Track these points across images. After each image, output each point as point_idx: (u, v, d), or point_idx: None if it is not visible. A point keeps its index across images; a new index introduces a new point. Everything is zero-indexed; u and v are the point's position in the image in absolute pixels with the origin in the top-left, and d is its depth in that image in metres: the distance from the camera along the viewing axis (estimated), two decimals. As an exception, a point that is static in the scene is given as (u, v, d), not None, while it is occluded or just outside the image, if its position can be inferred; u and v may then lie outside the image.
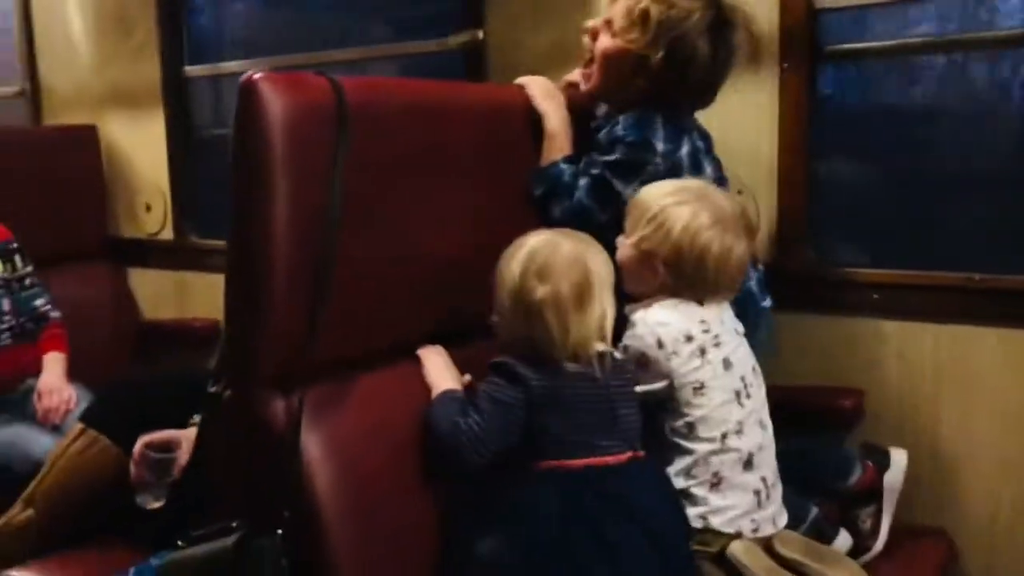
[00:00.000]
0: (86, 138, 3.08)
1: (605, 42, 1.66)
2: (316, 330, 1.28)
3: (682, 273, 1.45)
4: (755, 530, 1.42)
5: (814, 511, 1.60)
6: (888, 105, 2.06)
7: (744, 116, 1.92)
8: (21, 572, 1.75)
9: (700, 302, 1.47)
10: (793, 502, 1.52)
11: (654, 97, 1.63)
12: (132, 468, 1.75)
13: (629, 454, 1.35)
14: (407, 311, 1.47)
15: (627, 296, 1.49)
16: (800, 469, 1.60)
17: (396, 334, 1.47)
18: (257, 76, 1.28)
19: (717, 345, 1.44)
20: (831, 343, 1.93)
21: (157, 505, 1.74)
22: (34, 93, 3.27)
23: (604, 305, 1.36)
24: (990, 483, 1.83)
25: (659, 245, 1.46)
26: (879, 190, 2.05)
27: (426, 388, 1.42)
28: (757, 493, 1.44)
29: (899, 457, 1.75)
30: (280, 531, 1.23)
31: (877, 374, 1.89)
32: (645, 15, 1.61)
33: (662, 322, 1.44)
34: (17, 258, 2.61)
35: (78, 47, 3.14)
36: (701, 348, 1.43)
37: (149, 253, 3.06)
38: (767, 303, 1.72)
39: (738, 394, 1.45)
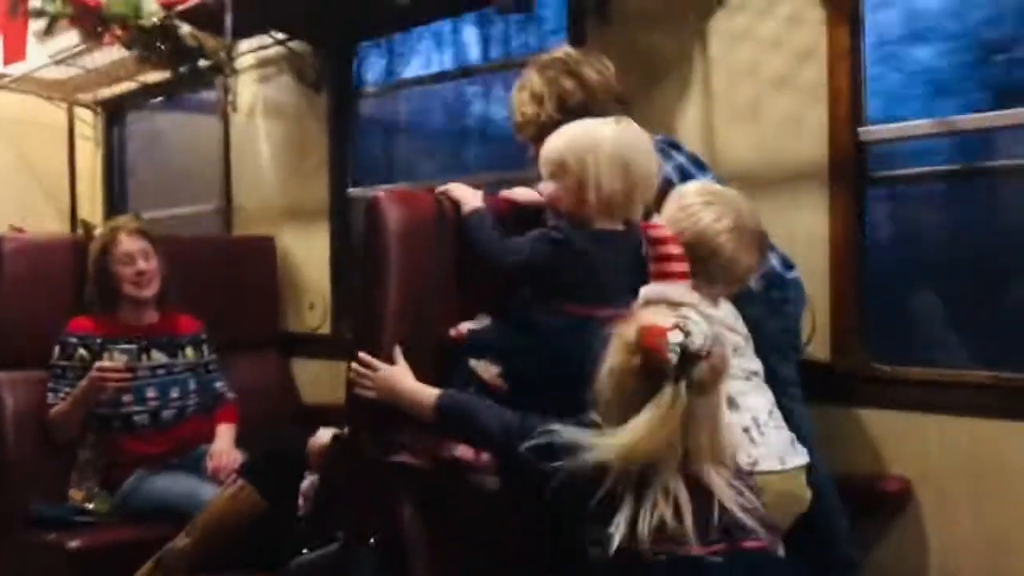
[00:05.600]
0: (265, 247, 3.55)
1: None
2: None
3: (693, 262, 1.72)
4: (753, 463, 1.64)
5: None
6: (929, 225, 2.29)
7: (800, 233, 2.18)
8: (183, 587, 2.18)
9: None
10: None
11: None
12: (301, 501, 2.10)
13: None
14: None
15: None
16: None
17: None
18: (380, 194, 1.72)
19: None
20: (879, 435, 2.11)
21: None
22: (227, 209, 3.83)
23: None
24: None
25: (682, 231, 1.75)
26: (922, 300, 2.26)
27: None
28: (747, 431, 1.66)
29: None
30: (373, 541, 1.60)
31: (921, 465, 2.06)
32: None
33: None
34: (204, 347, 3.10)
35: (264, 170, 3.68)
36: None
37: (310, 345, 3.48)
38: (794, 274, 1.98)
39: None
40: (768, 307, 1.95)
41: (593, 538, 1.37)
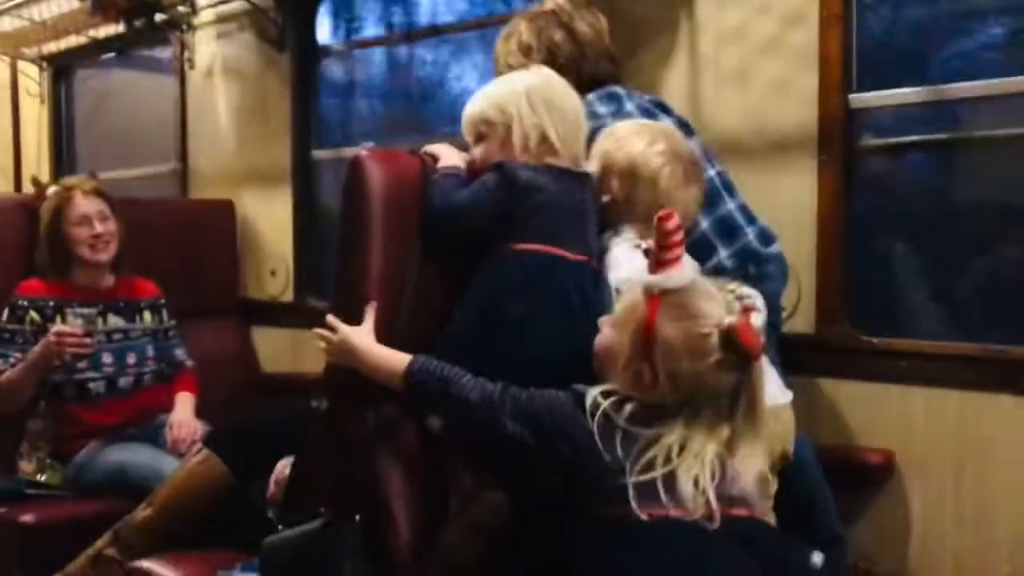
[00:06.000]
0: (224, 211, 3.45)
1: None
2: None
3: (633, 193, 1.68)
4: None
5: None
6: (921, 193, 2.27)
7: (787, 201, 2.14)
8: (145, 563, 2.07)
9: (644, 225, 1.63)
10: None
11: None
12: (272, 487, 2.01)
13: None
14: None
15: None
16: None
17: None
18: (363, 153, 1.63)
19: None
20: (863, 407, 2.10)
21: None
22: (183, 172, 3.70)
23: None
24: (1008, 546, 1.93)
25: (615, 160, 1.70)
26: (910, 270, 2.24)
27: None
28: None
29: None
30: (357, 517, 1.52)
31: (905, 436, 2.05)
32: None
33: (623, 279, 1.59)
34: (164, 312, 2.98)
35: (222, 133, 3.55)
36: None
37: (271, 313, 3.39)
38: (774, 248, 1.91)
39: None
40: (744, 283, 1.88)
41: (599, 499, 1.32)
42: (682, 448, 1.31)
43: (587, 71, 1.94)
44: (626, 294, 1.45)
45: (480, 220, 1.61)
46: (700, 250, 1.81)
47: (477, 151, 1.69)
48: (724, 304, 1.36)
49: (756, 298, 1.36)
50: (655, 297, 1.36)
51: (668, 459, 1.30)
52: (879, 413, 2.08)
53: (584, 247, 1.64)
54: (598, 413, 1.35)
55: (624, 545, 1.29)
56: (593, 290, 1.62)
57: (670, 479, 1.29)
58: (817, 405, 2.12)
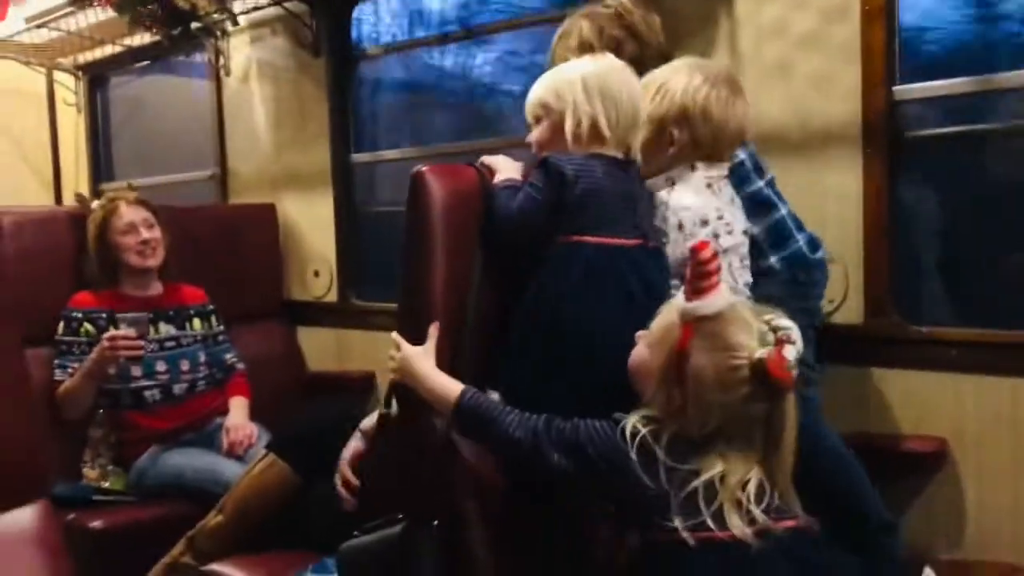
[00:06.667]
0: (266, 215, 3.50)
1: None
2: (460, 364, 1.63)
3: (694, 132, 1.72)
4: None
5: None
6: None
7: (833, 194, 2.16)
8: (218, 566, 2.14)
9: (713, 158, 1.71)
10: None
11: None
12: (342, 486, 2.03)
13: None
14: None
15: None
16: None
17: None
18: (425, 168, 1.66)
19: (730, 233, 1.70)
20: (914, 396, 2.11)
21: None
22: (222, 176, 3.75)
23: None
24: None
25: (667, 112, 1.73)
26: (957, 260, 2.26)
27: None
28: None
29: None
30: (436, 523, 1.57)
31: (957, 424, 2.06)
32: None
33: (685, 206, 1.68)
34: (212, 318, 3.04)
35: (260, 137, 3.59)
36: (715, 233, 1.67)
37: (315, 313, 3.44)
38: (821, 253, 1.95)
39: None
40: (792, 288, 1.90)
41: (651, 524, 1.37)
42: (723, 479, 1.35)
43: (644, 72, 1.95)
44: (663, 314, 1.46)
45: (536, 220, 1.64)
46: (752, 251, 1.85)
47: (534, 133, 1.75)
48: (758, 335, 1.38)
49: (792, 330, 1.37)
50: (689, 324, 1.39)
51: (712, 494, 1.34)
52: (930, 402, 2.09)
53: (638, 231, 1.67)
54: (636, 441, 1.38)
55: (673, 570, 1.35)
56: (654, 272, 1.65)
57: (718, 514, 1.34)
58: (867, 395, 2.15)
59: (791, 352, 1.34)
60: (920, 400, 2.11)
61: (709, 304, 1.38)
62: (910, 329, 2.13)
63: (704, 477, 1.35)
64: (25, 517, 1.14)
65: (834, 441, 1.89)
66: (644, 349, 1.46)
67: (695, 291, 1.40)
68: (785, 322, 1.38)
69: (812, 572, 1.36)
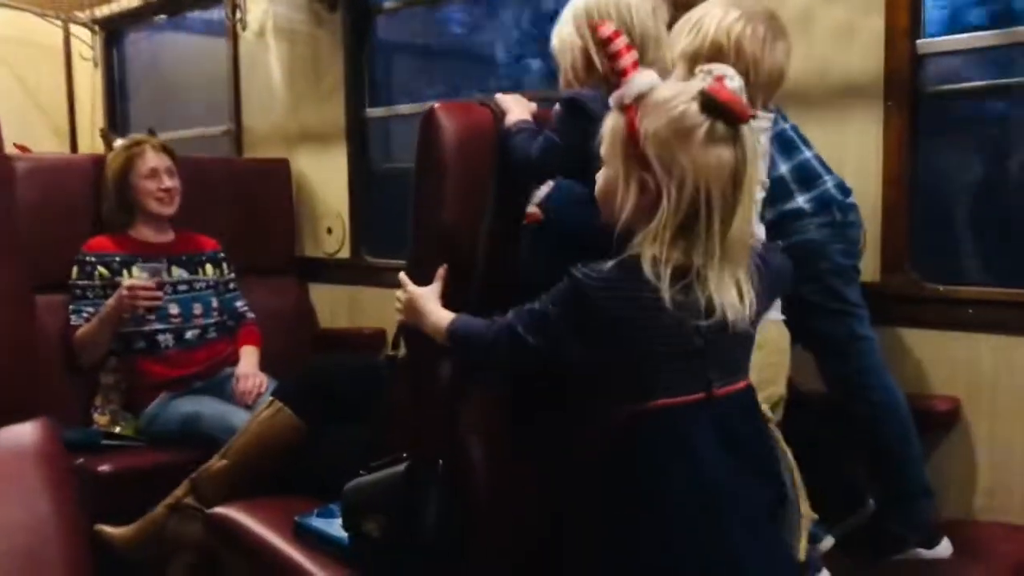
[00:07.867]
0: (279, 170, 3.49)
1: None
2: (472, 304, 1.61)
3: None
4: None
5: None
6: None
7: (852, 149, 2.13)
8: (222, 509, 2.13)
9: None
10: None
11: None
12: None
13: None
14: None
15: None
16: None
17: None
18: (437, 105, 1.64)
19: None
20: (930, 354, 2.09)
21: None
22: (237, 132, 3.75)
23: None
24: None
25: (700, 47, 1.63)
26: (975, 217, 2.22)
27: None
28: None
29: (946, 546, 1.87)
30: (441, 462, 1.56)
31: (972, 383, 2.04)
32: None
33: None
34: (224, 265, 3.05)
35: (275, 92, 3.58)
36: None
37: (328, 270, 3.44)
38: (851, 199, 1.91)
39: None
40: (832, 229, 1.88)
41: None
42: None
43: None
44: (604, 126, 1.37)
45: (555, 161, 1.59)
46: (777, 193, 1.82)
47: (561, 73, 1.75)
48: (697, 81, 1.31)
49: (729, 70, 1.31)
50: (629, 107, 1.31)
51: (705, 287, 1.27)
52: (945, 361, 2.07)
53: None
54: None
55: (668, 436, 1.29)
56: None
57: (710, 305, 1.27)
58: (882, 353, 2.12)
59: (731, 83, 1.28)
60: (935, 359, 2.09)
61: (637, 80, 1.31)
62: (926, 287, 2.10)
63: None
64: (25, 431, 1.12)
65: (891, 396, 1.89)
66: (603, 170, 1.38)
67: (617, 73, 1.33)
68: (720, 65, 1.33)
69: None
